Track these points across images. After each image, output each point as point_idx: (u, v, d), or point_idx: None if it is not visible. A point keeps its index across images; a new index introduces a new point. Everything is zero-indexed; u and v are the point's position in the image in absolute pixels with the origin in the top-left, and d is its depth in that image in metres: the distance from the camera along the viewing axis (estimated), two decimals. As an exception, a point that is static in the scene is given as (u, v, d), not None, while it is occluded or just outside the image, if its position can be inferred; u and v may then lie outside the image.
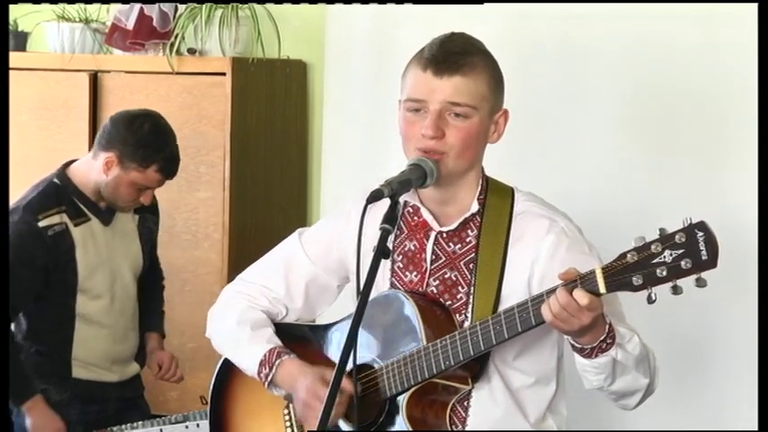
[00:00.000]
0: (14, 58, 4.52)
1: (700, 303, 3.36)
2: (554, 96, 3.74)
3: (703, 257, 2.13)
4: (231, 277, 4.31)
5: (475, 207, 2.55)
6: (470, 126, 2.48)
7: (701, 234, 2.13)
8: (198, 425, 3.55)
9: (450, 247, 2.56)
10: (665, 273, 2.16)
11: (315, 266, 2.74)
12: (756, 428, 2.96)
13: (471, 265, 2.53)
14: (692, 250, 2.14)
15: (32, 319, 3.75)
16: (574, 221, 2.56)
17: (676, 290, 2.17)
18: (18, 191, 4.30)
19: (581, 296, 2.24)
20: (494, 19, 3.74)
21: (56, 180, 3.74)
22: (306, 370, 2.61)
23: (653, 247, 2.17)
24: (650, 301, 2.19)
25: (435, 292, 2.56)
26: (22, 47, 4.82)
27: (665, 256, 2.16)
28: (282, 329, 2.75)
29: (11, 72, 4.35)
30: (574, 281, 2.26)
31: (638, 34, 3.56)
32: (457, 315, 2.52)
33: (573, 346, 2.37)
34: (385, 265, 2.59)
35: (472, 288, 2.52)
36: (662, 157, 3.58)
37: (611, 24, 3.60)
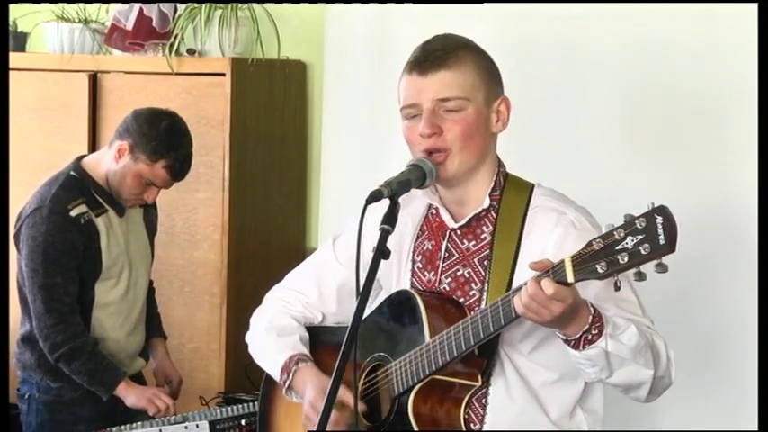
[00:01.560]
0: (14, 59, 4.52)
1: (698, 300, 3.37)
2: (554, 96, 3.74)
3: (661, 242, 2.10)
4: (230, 278, 4.35)
5: (486, 203, 2.55)
6: (467, 117, 2.49)
7: (659, 219, 2.11)
8: (197, 425, 3.54)
9: (464, 244, 2.57)
10: (626, 259, 2.14)
11: (345, 270, 2.75)
12: (756, 428, 2.97)
13: (486, 262, 2.53)
14: (650, 235, 2.11)
15: None
16: (590, 215, 2.54)
17: (641, 276, 2.14)
18: (17, 191, 4.31)
19: (547, 285, 2.22)
20: (494, 19, 3.74)
21: (73, 173, 3.77)
22: (313, 381, 2.64)
23: (616, 233, 2.16)
24: (616, 288, 2.18)
25: (448, 289, 2.57)
26: (21, 47, 4.81)
27: (626, 242, 2.14)
28: (315, 333, 2.80)
29: (10, 72, 4.35)
30: (546, 271, 2.25)
31: (638, 34, 3.56)
32: (471, 312, 2.51)
33: (560, 338, 2.36)
34: (406, 266, 2.63)
35: (486, 284, 2.52)
36: (662, 157, 3.57)
37: (611, 24, 3.60)
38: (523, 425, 2.51)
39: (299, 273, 2.87)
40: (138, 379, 3.94)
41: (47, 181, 3.79)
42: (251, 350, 2.86)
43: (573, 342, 2.32)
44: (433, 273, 2.60)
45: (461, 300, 2.54)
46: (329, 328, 2.81)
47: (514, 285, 2.47)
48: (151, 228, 3.96)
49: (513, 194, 2.56)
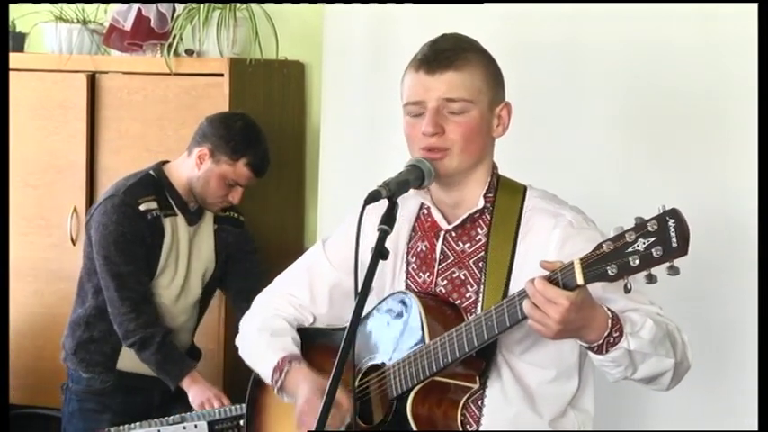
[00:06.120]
0: (12, 59, 4.52)
1: (698, 300, 3.37)
2: (554, 96, 3.73)
3: (673, 245, 2.10)
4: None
5: (480, 203, 2.55)
6: (470, 120, 2.49)
7: (672, 221, 2.11)
8: (196, 425, 3.55)
9: (459, 246, 2.57)
10: (637, 261, 2.14)
11: (337, 272, 2.75)
12: (756, 429, 2.96)
13: (481, 264, 2.53)
14: (663, 238, 2.11)
15: (99, 300, 3.86)
16: (584, 213, 2.55)
17: (651, 279, 2.14)
18: (16, 191, 4.30)
19: (542, 286, 2.22)
20: (494, 19, 3.74)
21: (152, 172, 3.88)
22: (307, 380, 2.63)
23: (627, 236, 2.15)
24: (626, 290, 2.18)
25: (444, 291, 2.56)
26: (20, 48, 4.80)
27: (638, 245, 2.14)
28: (308, 334, 2.79)
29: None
30: (554, 272, 2.25)
31: (638, 34, 3.55)
32: (467, 314, 2.52)
33: (582, 345, 2.35)
34: (401, 267, 2.63)
35: (482, 286, 2.52)
36: (662, 158, 3.57)
37: (611, 24, 3.60)
38: (519, 426, 2.51)
39: (290, 276, 2.87)
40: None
41: (127, 175, 3.89)
42: (242, 352, 2.86)
43: (596, 348, 2.31)
44: (428, 274, 2.60)
45: (458, 302, 2.54)
46: (321, 329, 2.80)
47: (511, 287, 2.48)
48: (222, 244, 4.01)
49: (506, 196, 2.57)
